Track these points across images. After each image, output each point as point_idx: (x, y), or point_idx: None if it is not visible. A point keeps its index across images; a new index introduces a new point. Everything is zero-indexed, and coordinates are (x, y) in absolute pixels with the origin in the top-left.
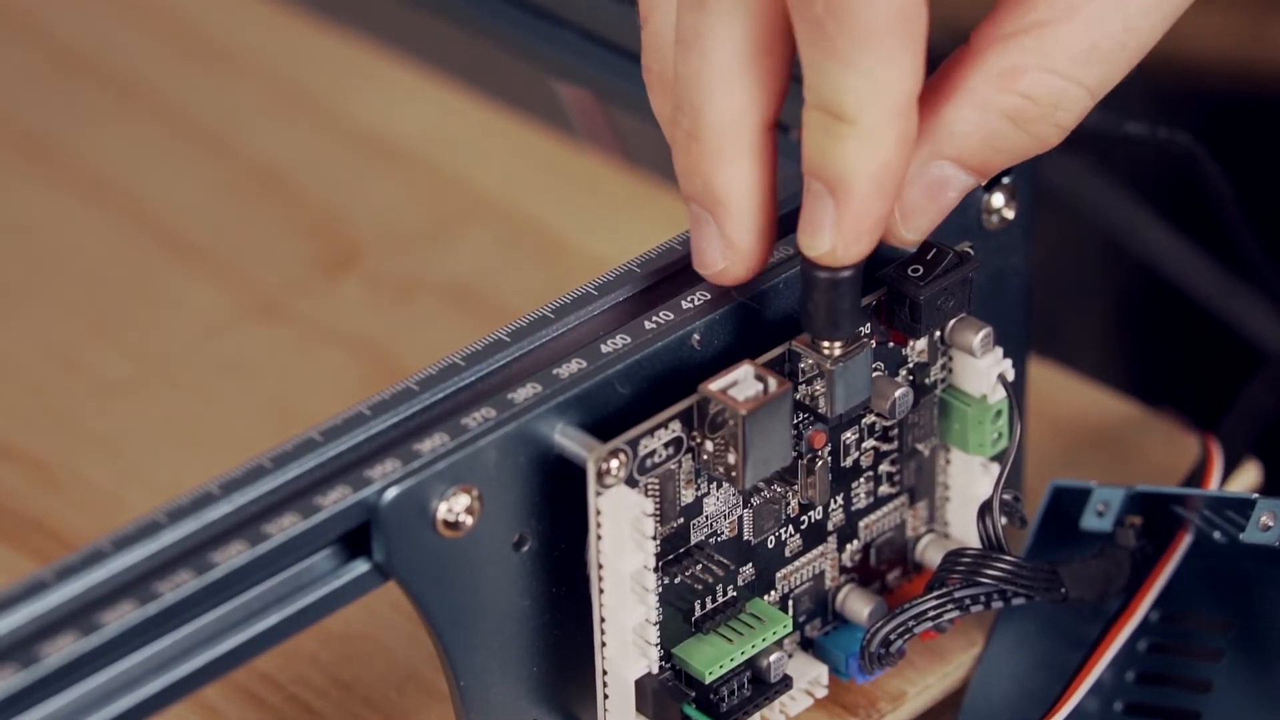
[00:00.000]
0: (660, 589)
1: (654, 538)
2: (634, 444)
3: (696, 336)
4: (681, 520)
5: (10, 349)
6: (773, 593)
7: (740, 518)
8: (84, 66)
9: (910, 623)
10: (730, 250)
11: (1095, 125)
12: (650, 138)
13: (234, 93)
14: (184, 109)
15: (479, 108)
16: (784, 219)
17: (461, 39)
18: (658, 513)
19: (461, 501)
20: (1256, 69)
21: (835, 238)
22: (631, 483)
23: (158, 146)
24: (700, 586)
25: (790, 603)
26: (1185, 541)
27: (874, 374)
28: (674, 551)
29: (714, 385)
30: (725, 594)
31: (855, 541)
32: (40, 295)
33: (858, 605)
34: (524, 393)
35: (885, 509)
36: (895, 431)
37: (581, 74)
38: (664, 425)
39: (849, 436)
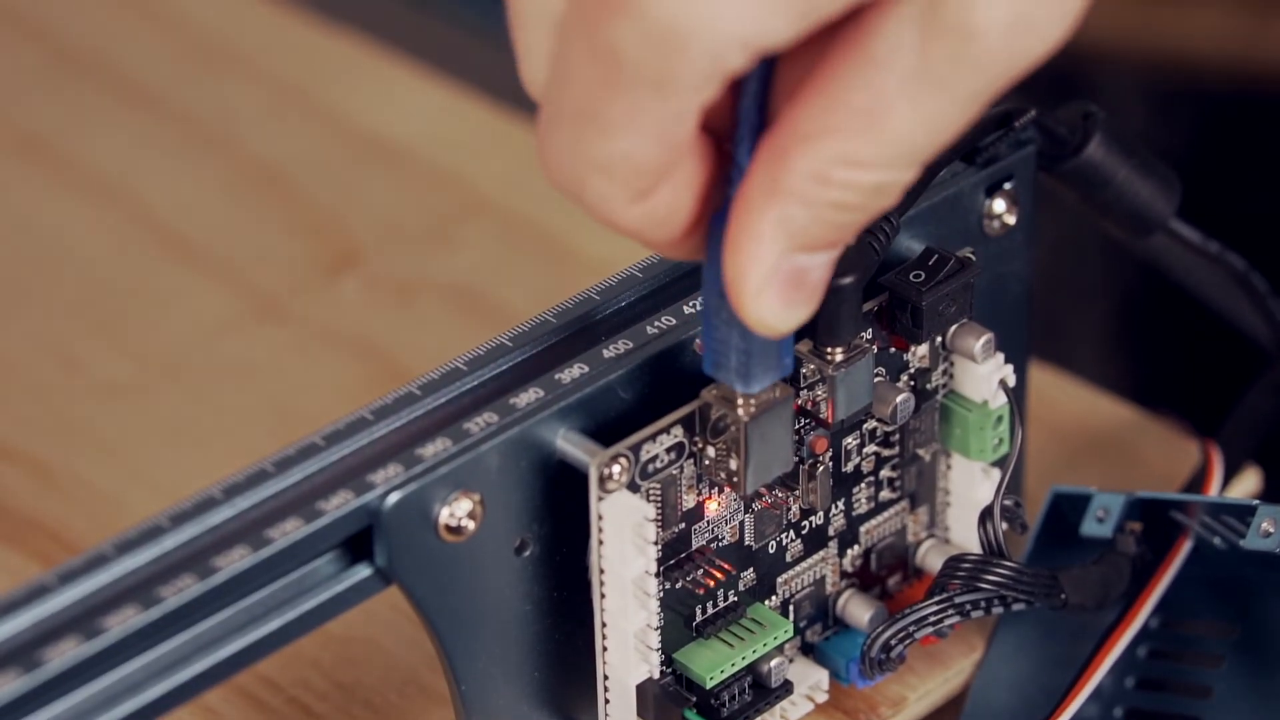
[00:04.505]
0: (661, 594)
1: (655, 543)
2: (636, 449)
3: (699, 342)
4: (683, 525)
5: (10, 349)
6: (774, 598)
7: (741, 523)
8: (84, 66)
9: (911, 628)
10: None
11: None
12: None
13: (234, 93)
14: (184, 109)
15: (479, 107)
16: None
17: (460, 38)
18: (659, 518)
19: (463, 506)
20: (1256, 69)
21: None
22: (633, 488)
23: (158, 146)
24: (701, 591)
25: (791, 608)
26: (1185, 548)
27: (875, 379)
28: (675, 556)
29: (716, 390)
30: (726, 599)
31: (856, 547)
32: (40, 295)
33: (858, 610)
34: (526, 397)
35: (886, 514)
36: (896, 437)
37: None
38: (666, 430)
39: (850, 442)
